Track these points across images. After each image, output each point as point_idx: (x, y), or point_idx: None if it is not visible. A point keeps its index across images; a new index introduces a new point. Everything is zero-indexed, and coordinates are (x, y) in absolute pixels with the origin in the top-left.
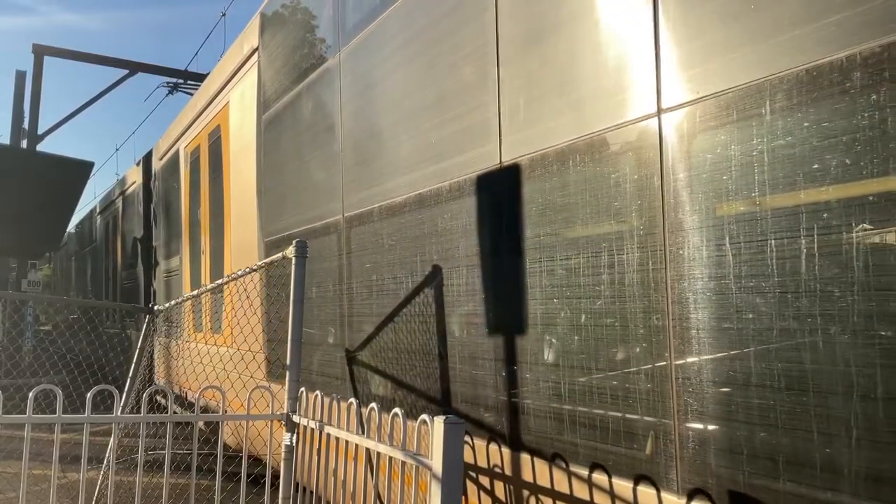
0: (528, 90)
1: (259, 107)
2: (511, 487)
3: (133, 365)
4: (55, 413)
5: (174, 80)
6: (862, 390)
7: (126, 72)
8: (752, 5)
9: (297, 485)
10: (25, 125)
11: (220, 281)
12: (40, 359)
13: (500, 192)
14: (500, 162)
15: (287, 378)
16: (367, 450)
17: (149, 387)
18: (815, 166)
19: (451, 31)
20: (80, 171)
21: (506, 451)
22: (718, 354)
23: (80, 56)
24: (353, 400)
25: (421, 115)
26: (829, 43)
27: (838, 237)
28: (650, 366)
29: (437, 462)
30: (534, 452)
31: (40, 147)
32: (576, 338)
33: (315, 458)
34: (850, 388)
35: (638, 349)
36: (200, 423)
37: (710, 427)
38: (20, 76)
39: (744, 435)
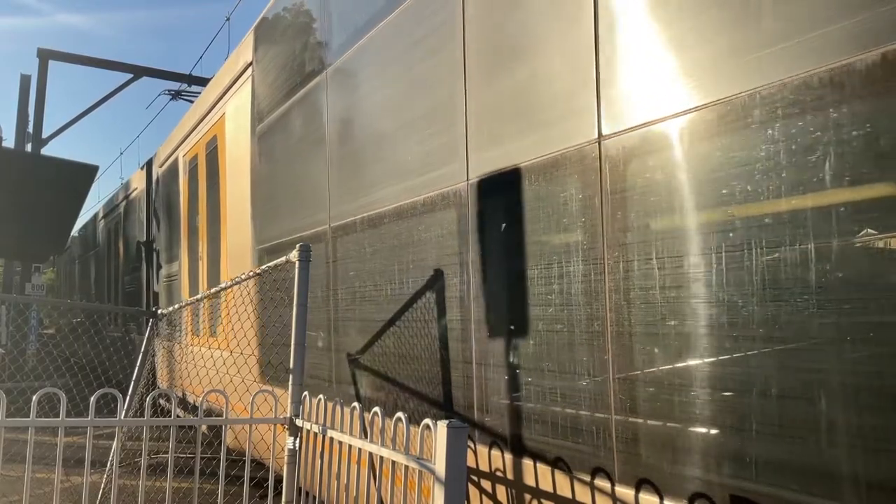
0: (490, 114)
1: (253, 119)
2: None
3: (136, 368)
4: (59, 416)
5: (178, 84)
6: (760, 388)
7: (130, 76)
8: (670, 53)
9: (299, 489)
10: (30, 129)
11: (224, 284)
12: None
13: (466, 207)
14: (467, 179)
15: (290, 382)
16: (370, 454)
17: (152, 390)
18: (724, 191)
19: (423, 58)
20: (84, 174)
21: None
22: (646, 357)
23: (85, 60)
24: (356, 404)
25: (398, 134)
26: (734, 82)
27: (740, 254)
28: (592, 368)
29: (440, 466)
30: (493, 446)
31: (45, 150)
32: (531, 342)
33: (318, 462)
34: (750, 387)
35: (583, 352)
36: (203, 427)
37: (640, 421)
38: (25, 80)
39: (667, 429)
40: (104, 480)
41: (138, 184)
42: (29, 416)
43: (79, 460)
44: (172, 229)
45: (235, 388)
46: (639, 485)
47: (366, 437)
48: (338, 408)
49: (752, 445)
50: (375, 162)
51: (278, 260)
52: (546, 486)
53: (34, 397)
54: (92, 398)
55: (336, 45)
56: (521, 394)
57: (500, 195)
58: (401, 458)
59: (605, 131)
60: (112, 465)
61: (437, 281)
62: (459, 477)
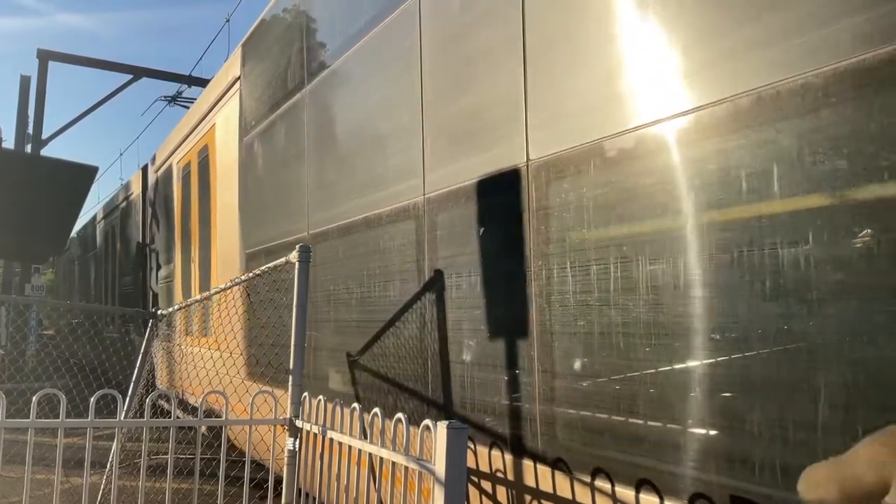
0: (443, 136)
1: (241, 130)
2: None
3: (136, 369)
4: (58, 417)
5: (176, 87)
6: (649, 379)
7: (130, 76)
8: (581, 88)
9: (299, 490)
10: (30, 129)
11: (223, 286)
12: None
13: (423, 219)
14: (424, 194)
15: (290, 382)
16: (370, 455)
17: (151, 391)
18: (619, 211)
19: (386, 83)
20: (83, 175)
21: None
22: (563, 353)
23: (85, 61)
24: (356, 405)
25: (366, 150)
26: (633, 118)
27: (629, 265)
28: (523, 362)
29: (440, 467)
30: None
31: (44, 151)
32: (474, 340)
33: (318, 463)
34: (637, 377)
35: (516, 349)
36: (203, 428)
37: (558, 409)
38: (25, 80)
39: (578, 415)
40: (104, 481)
41: (135, 187)
42: (28, 417)
43: (79, 461)
44: (168, 233)
45: (225, 387)
46: (555, 462)
47: (366, 438)
48: (338, 409)
49: (640, 428)
50: (348, 175)
51: (278, 261)
52: (483, 465)
53: (34, 398)
54: (92, 399)
55: (314, 67)
56: (469, 386)
57: (450, 210)
58: (401, 459)
59: (531, 156)
60: (112, 465)
61: (399, 285)
62: (459, 478)
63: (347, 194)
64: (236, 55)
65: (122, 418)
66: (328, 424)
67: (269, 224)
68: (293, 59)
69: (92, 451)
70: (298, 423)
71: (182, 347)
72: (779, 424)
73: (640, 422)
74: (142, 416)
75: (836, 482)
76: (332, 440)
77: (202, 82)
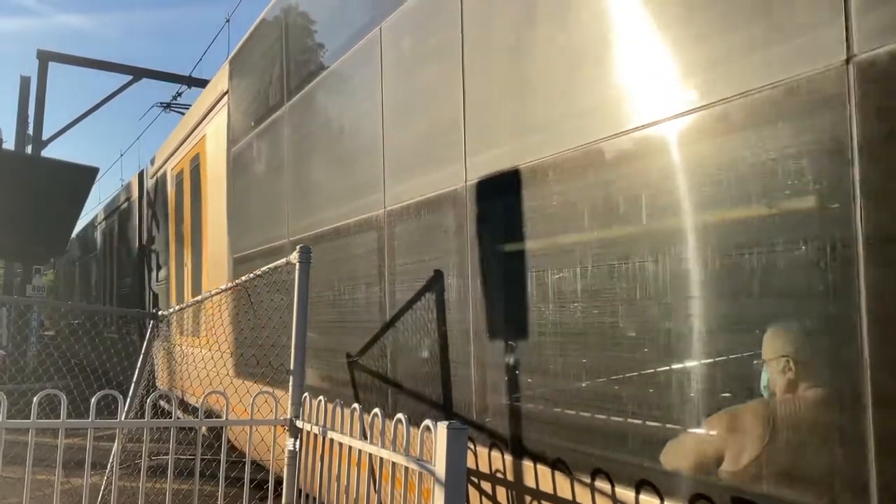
0: (399, 157)
1: (229, 142)
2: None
3: (137, 370)
4: (59, 418)
5: (176, 86)
6: (564, 371)
7: (130, 77)
8: (500, 123)
9: (299, 491)
10: (30, 130)
11: (222, 287)
12: (44, 364)
13: (383, 229)
14: (385, 207)
15: (290, 383)
16: (370, 455)
17: (151, 391)
18: (538, 227)
19: (353, 106)
20: (84, 176)
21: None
22: (487, 349)
23: (85, 62)
24: (356, 405)
25: (337, 165)
26: (531, 153)
27: (542, 274)
28: (465, 356)
29: (440, 467)
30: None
31: (45, 152)
32: (428, 339)
33: (318, 463)
34: (563, 369)
35: (457, 345)
36: (203, 428)
37: (490, 398)
38: (25, 81)
39: (507, 403)
40: (104, 482)
41: (132, 192)
42: (29, 418)
43: (79, 462)
44: (164, 237)
45: (225, 387)
46: (492, 445)
47: (366, 438)
48: (338, 409)
49: (534, 408)
50: (322, 188)
51: (279, 262)
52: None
53: (34, 399)
54: (92, 400)
55: (293, 86)
56: (423, 378)
57: (404, 222)
58: (401, 460)
59: (469, 178)
60: (112, 466)
61: (364, 289)
62: (459, 478)
63: (322, 205)
64: (224, 70)
65: (122, 419)
66: (328, 425)
67: (254, 231)
68: (275, 78)
69: (92, 451)
70: (299, 424)
71: (179, 347)
72: (646, 406)
73: (534, 406)
74: (142, 416)
75: (687, 454)
76: (332, 441)
77: (202, 83)
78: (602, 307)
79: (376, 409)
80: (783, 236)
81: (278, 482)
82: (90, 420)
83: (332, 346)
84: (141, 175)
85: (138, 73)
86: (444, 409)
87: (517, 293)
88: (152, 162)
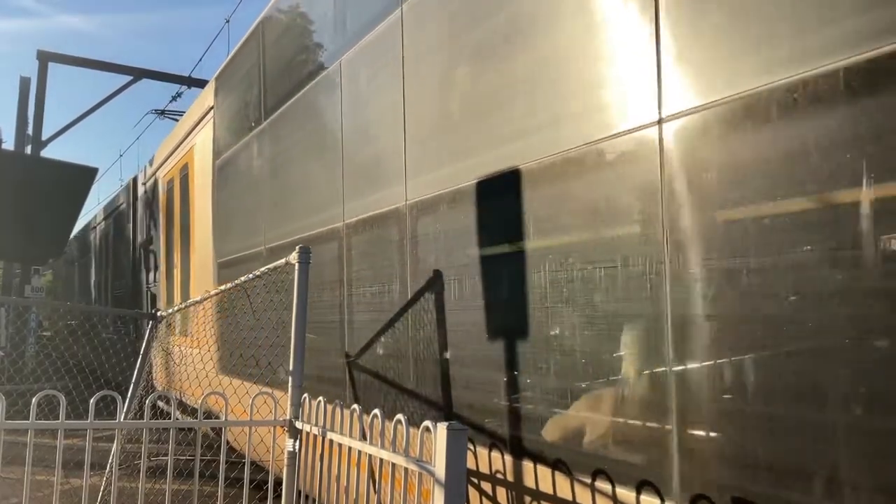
0: (356, 177)
1: (214, 154)
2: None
3: (136, 370)
4: (58, 419)
5: (176, 86)
6: (483, 361)
7: (130, 77)
8: (433, 151)
9: (299, 492)
10: (30, 131)
11: (222, 287)
12: (43, 364)
13: (342, 240)
14: (344, 220)
15: (290, 384)
16: (370, 456)
17: (150, 392)
18: (454, 243)
19: (317, 131)
20: (83, 176)
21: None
22: (423, 342)
23: (85, 62)
24: (356, 406)
25: (305, 180)
26: (458, 179)
27: (459, 281)
28: (403, 350)
29: (440, 468)
30: (352, 403)
31: (44, 152)
32: (372, 333)
33: (318, 464)
34: (483, 360)
35: (400, 341)
36: (205, 429)
37: (426, 390)
38: (24, 82)
39: (439, 393)
40: (104, 482)
41: (127, 196)
42: (27, 419)
43: (78, 462)
44: (157, 241)
45: (198, 381)
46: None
47: (365, 439)
48: (338, 410)
49: (429, 391)
50: (293, 201)
51: (278, 262)
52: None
53: (34, 400)
54: (91, 400)
55: (269, 106)
56: (378, 368)
57: (359, 234)
58: (400, 461)
59: (409, 198)
60: (111, 467)
61: (328, 293)
62: (459, 479)
63: (294, 217)
64: (211, 86)
65: (121, 419)
66: (328, 426)
67: (236, 238)
68: (254, 98)
69: (92, 452)
70: (298, 425)
71: (174, 347)
72: (529, 390)
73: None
74: (141, 417)
75: (562, 429)
76: (331, 441)
77: (201, 83)
78: (494, 310)
79: (376, 410)
80: (622, 254)
81: (278, 483)
82: (89, 421)
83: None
84: (135, 181)
85: (138, 74)
86: (426, 400)
87: (441, 296)
88: (145, 170)
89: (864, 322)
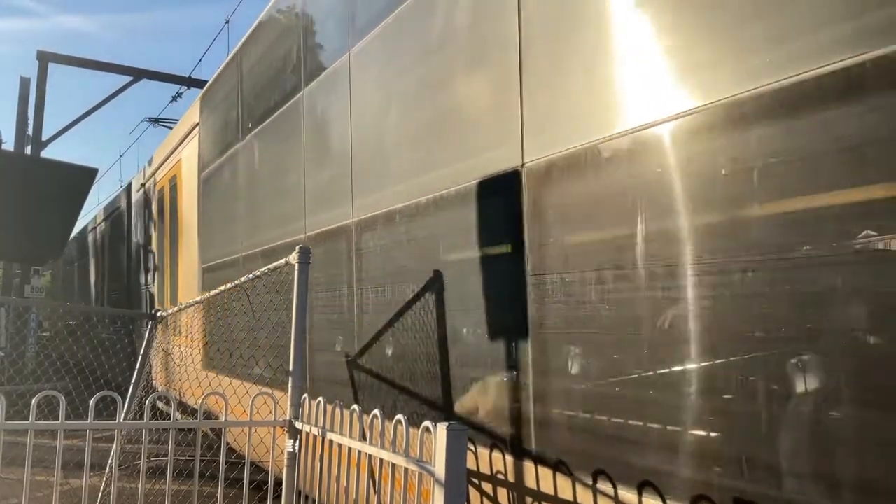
0: (316, 195)
1: (199, 167)
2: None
3: (136, 371)
4: (58, 419)
5: (176, 87)
6: (403, 354)
7: (130, 78)
8: (373, 176)
9: (299, 492)
10: (30, 131)
11: (222, 287)
12: (43, 365)
13: (307, 251)
14: (305, 233)
15: (290, 384)
16: (370, 456)
17: (150, 392)
18: (388, 258)
19: (284, 152)
20: (83, 177)
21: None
22: (362, 339)
23: (85, 63)
24: (355, 406)
25: (274, 197)
26: (395, 201)
27: (398, 288)
28: (349, 345)
29: (440, 468)
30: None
31: (44, 153)
32: (328, 331)
33: (318, 464)
34: (402, 353)
35: (342, 338)
36: (205, 429)
37: (319, 382)
38: (24, 82)
39: (326, 385)
40: (103, 483)
41: (121, 202)
42: (27, 419)
43: (78, 463)
44: (149, 246)
45: (186, 377)
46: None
47: (365, 439)
48: (337, 410)
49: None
50: (264, 214)
51: (277, 262)
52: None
53: (33, 400)
54: (91, 401)
55: (245, 128)
56: (327, 362)
57: (318, 245)
58: (400, 461)
59: (355, 216)
60: (111, 467)
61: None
62: (459, 479)
63: (264, 228)
64: (196, 105)
65: (121, 420)
66: (328, 426)
67: (217, 246)
68: (233, 119)
69: (91, 452)
70: (298, 425)
71: (170, 347)
72: (441, 377)
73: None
74: (141, 417)
75: (465, 407)
76: (331, 442)
77: (201, 83)
78: (407, 315)
79: (376, 411)
80: (495, 269)
81: (278, 483)
82: (89, 421)
83: (274, 343)
84: (129, 188)
85: (138, 74)
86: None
87: (379, 302)
88: (143, 170)
89: (634, 322)
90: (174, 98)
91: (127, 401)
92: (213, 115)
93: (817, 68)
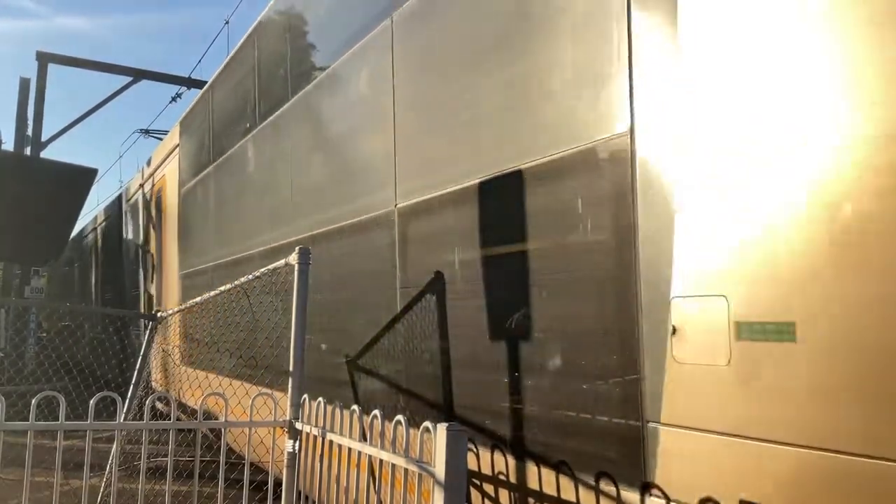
0: (269, 214)
1: (179, 184)
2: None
3: (136, 371)
4: (57, 419)
5: (175, 88)
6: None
7: (130, 78)
8: (314, 201)
9: (299, 493)
10: (29, 132)
11: (221, 288)
12: (43, 365)
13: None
14: (261, 247)
15: (290, 385)
16: (370, 457)
17: (149, 392)
18: (326, 272)
19: (246, 177)
20: (83, 177)
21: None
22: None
23: (85, 63)
24: (355, 407)
25: (237, 215)
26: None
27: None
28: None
29: (439, 469)
30: (264, 383)
31: (44, 154)
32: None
33: (317, 465)
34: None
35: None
36: (204, 430)
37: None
38: (24, 83)
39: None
40: (103, 483)
41: (114, 210)
42: (27, 419)
43: (78, 463)
44: (137, 253)
45: (174, 373)
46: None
47: (365, 440)
48: (337, 411)
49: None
50: (229, 230)
51: (277, 263)
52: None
53: (33, 401)
54: (91, 401)
55: (214, 153)
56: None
57: (267, 260)
58: (400, 462)
59: (294, 235)
60: (111, 468)
61: (245, 301)
62: (459, 479)
63: (230, 242)
64: (177, 128)
65: (121, 421)
66: (328, 426)
67: (194, 255)
68: (205, 146)
69: (91, 453)
70: (298, 426)
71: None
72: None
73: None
74: (141, 418)
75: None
76: (331, 442)
77: (200, 84)
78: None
79: (376, 411)
80: (379, 278)
81: (278, 484)
82: (89, 422)
83: (240, 340)
84: (120, 198)
85: (137, 75)
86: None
87: (323, 308)
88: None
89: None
90: (174, 99)
91: (127, 401)
92: (190, 139)
93: (462, 185)
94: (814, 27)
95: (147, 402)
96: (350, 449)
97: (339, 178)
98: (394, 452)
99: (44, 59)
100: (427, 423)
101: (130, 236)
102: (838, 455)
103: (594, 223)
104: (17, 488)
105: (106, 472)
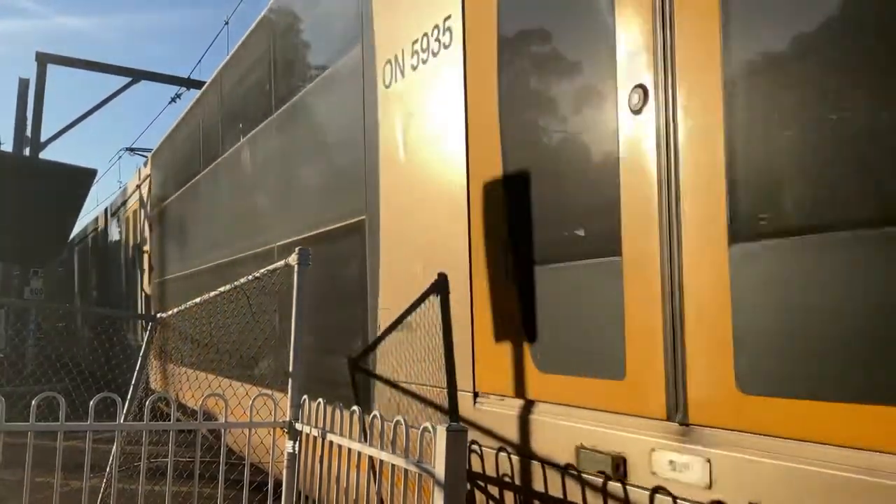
0: (211, 239)
1: (151, 205)
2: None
3: (136, 372)
4: (57, 420)
5: (174, 88)
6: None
7: (129, 79)
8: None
9: (299, 493)
10: (28, 132)
11: (221, 288)
12: (42, 366)
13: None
14: (208, 265)
15: (290, 386)
16: (370, 457)
17: (149, 393)
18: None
19: (196, 207)
20: (82, 178)
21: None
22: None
23: (84, 64)
24: (355, 408)
25: (193, 236)
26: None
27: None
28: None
29: (439, 469)
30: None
31: (43, 154)
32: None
33: (318, 465)
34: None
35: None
36: (203, 430)
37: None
38: (23, 84)
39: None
40: (104, 484)
41: (102, 222)
42: (27, 420)
43: (78, 464)
44: (124, 262)
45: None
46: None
47: (365, 440)
48: (337, 411)
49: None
50: (187, 248)
51: (277, 263)
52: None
53: (33, 402)
54: (91, 402)
55: (170, 189)
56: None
57: (211, 274)
58: (400, 462)
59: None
60: (111, 469)
61: (196, 308)
62: (459, 479)
63: (188, 258)
64: (149, 161)
65: (121, 421)
66: (328, 427)
67: (161, 268)
68: (169, 179)
69: (92, 453)
70: (298, 426)
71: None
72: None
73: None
74: (141, 418)
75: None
76: (331, 443)
77: (200, 84)
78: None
79: (376, 412)
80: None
81: (278, 484)
82: (89, 423)
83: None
84: (106, 211)
85: (137, 75)
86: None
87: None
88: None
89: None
90: (173, 99)
91: (127, 402)
92: (157, 171)
93: (326, 229)
94: None
95: (147, 402)
96: (350, 449)
97: (245, 223)
98: (394, 453)
99: (43, 60)
100: (427, 424)
101: (129, 235)
102: None
103: (350, 262)
104: (17, 489)
105: (106, 473)
